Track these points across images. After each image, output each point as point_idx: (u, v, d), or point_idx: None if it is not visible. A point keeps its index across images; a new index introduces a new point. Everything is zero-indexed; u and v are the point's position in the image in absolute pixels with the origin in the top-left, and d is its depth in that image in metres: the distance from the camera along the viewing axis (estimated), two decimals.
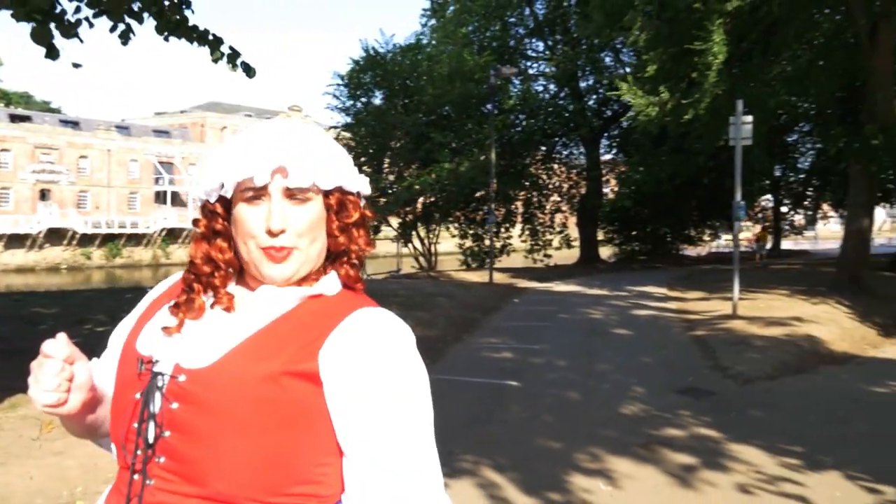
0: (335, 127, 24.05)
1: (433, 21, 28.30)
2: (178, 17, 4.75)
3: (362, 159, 23.07)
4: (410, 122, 21.44)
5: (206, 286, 1.14)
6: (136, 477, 1.05)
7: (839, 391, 6.83)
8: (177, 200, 57.35)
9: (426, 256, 24.53)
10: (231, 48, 5.28)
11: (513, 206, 28.56)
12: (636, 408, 6.13)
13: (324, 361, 1.06)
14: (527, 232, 29.97)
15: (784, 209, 37.58)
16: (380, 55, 22.90)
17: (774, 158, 29.23)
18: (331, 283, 1.14)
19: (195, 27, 4.92)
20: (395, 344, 1.09)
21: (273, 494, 1.03)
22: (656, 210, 29.14)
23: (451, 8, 27.04)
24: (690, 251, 36.18)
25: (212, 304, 1.14)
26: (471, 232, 27.23)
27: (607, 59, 27.09)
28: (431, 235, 24.95)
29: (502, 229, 27.43)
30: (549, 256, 29.31)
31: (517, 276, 19.39)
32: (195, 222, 1.20)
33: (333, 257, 1.17)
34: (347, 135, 23.20)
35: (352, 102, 23.95)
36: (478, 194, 24.05)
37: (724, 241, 41.47)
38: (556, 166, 29.47)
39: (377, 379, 1.06)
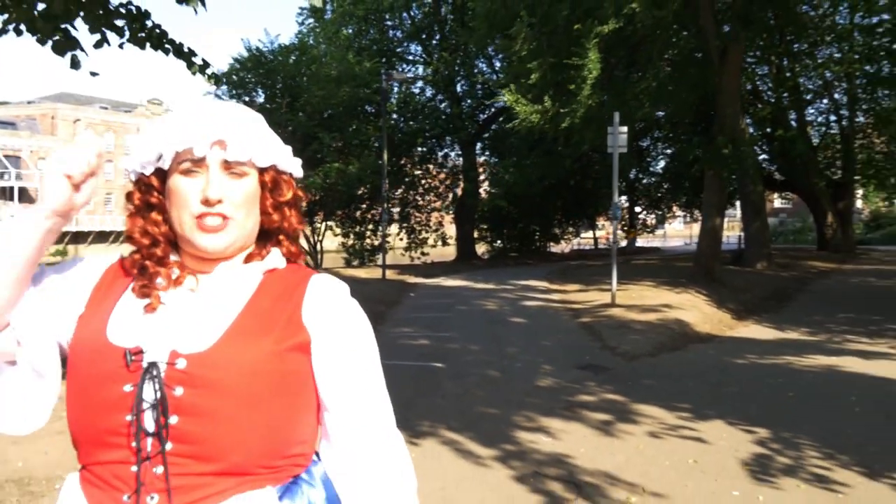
0: None
1: (311, 20, 28.56)
2: (157, 30, 5.15)
3: None
4: (296, 122, 21.73)
5: (158, 264, 1.17)
6: (134, 469, 1.06)
7: (708, 363, 8.11)
8: (24, 196, 53.84)
9: (312, 254, 24.86)
10: (203, 60, 5.73)
11: (389, 205, 29.37)
12: (549, 381, 7.09)
13: (310, 329, 1.15)
14: (404, 230, 30.85)
15: (637, 209, 40.58)
16: (263, 55, 23.01)
17: (631, 162, 31.71)
18: (279, 258, 1.22)
19: (173, 41, 5.33)
20: (352, 301, 1.23)
21: (279, 458, 1.12)
22: (526, 209, 30.86)
23: (330, 9, 27.42)
24: (555, 248, 38.38)
25: (167, 285, 1.16)
26: (354, 230, 27.80)
27: (482, 66, 28.41)
28: (317, 234, 25.31)
29: (379, 228, 28.18)
30: (426, 254, 30.34)
31: (404, 273, 20.19)
32: (128, 196, 1.21)
33: (267, 235, 1.23)
34: None
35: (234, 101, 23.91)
36: (359, 192, 24.67)
37: (584, 239, 44.31)
38: (432, 167, 30.51)
39: (351, 334, 1.19)
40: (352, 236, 27.89)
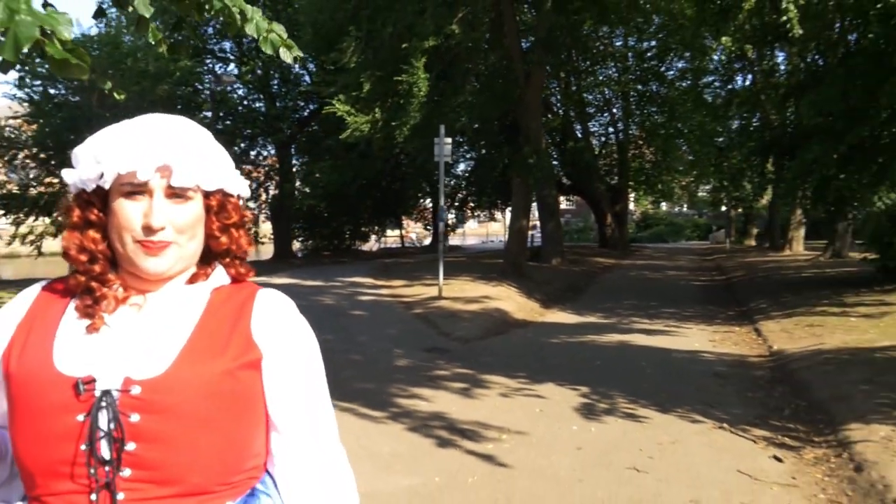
0: (14, 118, 22.47)
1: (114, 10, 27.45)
2: None
3: (49, 153, 21.97)
4: (109, 117, 21.05)
5: (101, 283, 1.15)
6: (93, 497, 1.05)
7: (530, 342, 9.69)
8: None
9: None
10: None
11: None
12: (406, 361, 8.26)
13: (261, 346, 1.16)
14: None
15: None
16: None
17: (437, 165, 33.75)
18: (223, 275, 1.22)
19: None
20: (297, 315, 1.24)
21: (236, 473, 1.14)
22: (339, 209, 31.78)
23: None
24: (364, 246, 39.55)
25: (112, 306, 1.14)
26: None
27: (297, 69, 28.87)
28: None
29: None
30: None
31: None
32: (67, 210, 1.17)
33: (214, 256, 1.22)
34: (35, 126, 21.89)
35: (29, 93, 22.59)
36: None
37: (389, 237, 45.94)
38: (246, 166, 30.48)
39: (300, 350, 1.21)
40: None
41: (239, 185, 1.23)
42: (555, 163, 34.51)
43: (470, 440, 5.15)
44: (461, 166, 37.57)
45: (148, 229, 1.10)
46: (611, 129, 37.81)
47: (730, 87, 26.99)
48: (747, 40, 14.17)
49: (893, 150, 11.57)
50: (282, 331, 1.20)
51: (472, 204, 41.10)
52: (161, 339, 1.12)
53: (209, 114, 26.50)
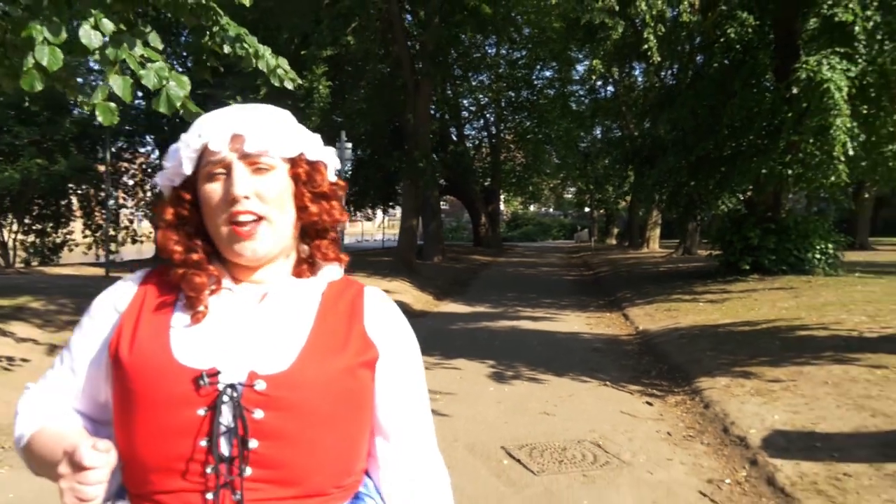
0: None
1: None
2: None
3: None
4: None
5: (205, 275, 1.13)
6: (210, 496, 1.02)
7: (434, 328, 10.87)
8: None
9: (4, 255, 23.24)
10: None
11: (68, 201, 28.15)
12: None
13: (377, 345, 1.17)
14: (90, 228, 29.74)
15: None
16: None
17: None
18: (333, 270, 1.21)
19: None
20: (401, 314, 1.25)
21: (348, 476, 1.13)
22: None
23: None
24: None
25: (224, 300, 1.14)
26: (35, 227, 26.26)
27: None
28: (6, 231, 23.67)
29: (50, 226, 26.98)
30: (115, 252, 29.59)
31: (120, 269, 20.24)
32: (161, 211, 1.16)
33: (311, 235, 1.20)
34: None
35: None
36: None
37: None
38: (125, 164, 29.87)
39: (410, 351, 1.24)
40: (33, 234, 26.37)
41: (323, 153, 1.20)
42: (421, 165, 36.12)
43: None
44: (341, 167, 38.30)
45: (233, 200, 1.08)
46: (484, 134, 39.68)
47: (593, 96, 29.43)
48: (612, 61, 16.00)
49: (733, 161, 13.66)
50: (394, 331, 1.21)
51: (356, 204, 41.91)
52: (282, 333, 1.10)
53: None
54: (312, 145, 1.18)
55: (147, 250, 29.79)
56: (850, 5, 9.92)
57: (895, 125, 10.59)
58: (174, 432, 1.04)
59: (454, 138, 34.75)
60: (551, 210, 68.38)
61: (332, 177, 1.22)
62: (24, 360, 7.09)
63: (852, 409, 5.23)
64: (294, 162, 1.15)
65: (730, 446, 4.97)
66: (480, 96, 36.27)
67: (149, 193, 30.84)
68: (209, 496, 1.03)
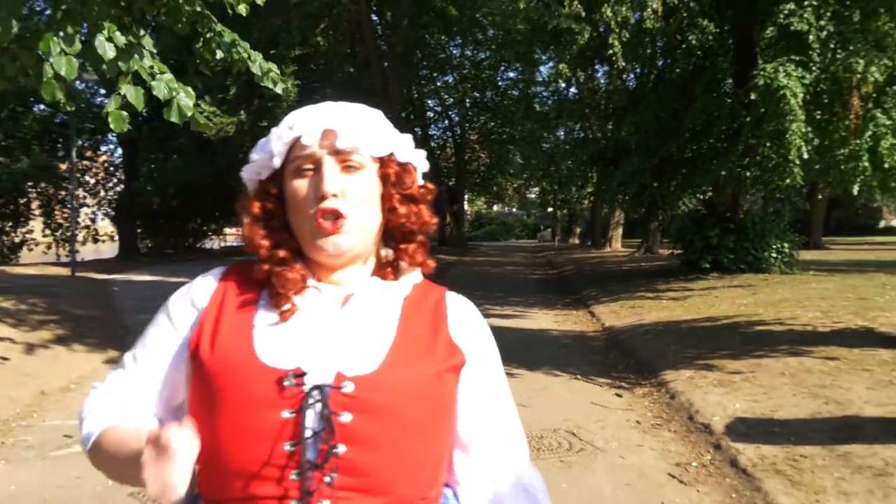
0: None
1: None
2: None
3: None
4: None
5: (289, 273, 1.09)
6: None
7: None
8: None
9: None
10: None
11: (27, 200, 27.75)
12: None
13: (463, 350, 1.13)
14: (50, 227, 29.32)
15: None
16: None
17: None
18: (416, 274, 1.18)
19: None
20: (483, 319, 1.24)
21: (433, 487, 1.08)
22: (187, 207, 31.50)
23: None
24: (208, 244, 39.10)
25: (308, 299, 1.10)
26: None
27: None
28: None
29: (9, 225, 26.59)
30: (76, 252, 29.21)
31: (86, 269, 20.08)
32: (246, 205, 1.13)
33: (397, 238, 1.16)
34: None
35: None
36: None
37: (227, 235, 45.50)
38: (87, 163, 29.52)
39: (493, 356, 1.22)
40: None
41: (414, 154, 1.17)
42: None
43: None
44: None
45: (321, 197, 1.05)
46: (449, 134, 39.97)
47: (557, 98, 29.87)
48: (577, 65, 16.37)
49: (694, 164, 14.13)
50: (479, 336, 1.19)
51: None
52: (367, 335, 1.07)
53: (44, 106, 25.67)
54: (404, 146, 1.16)
55: (106, 250, 29.51)
56: (805, 15, 10.38)
57: (847, 130, 11.09)
58: (257, 435, 0.99)
59: (419, 139, 34.96)
60: (514, 210, 69.06)
61: (420, 180, 1.19)
62: (3, 357, 7.15)
63: (807, 398, 5.60)
64: (384, 162, 1.13)
65: (695, 433, 5.29)
66: (445, 97, 36.54)
67: (111, 192, 30.56)
68: None
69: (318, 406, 0.99)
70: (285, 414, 0.99)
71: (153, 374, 1.14)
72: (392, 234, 1.17)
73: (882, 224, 42.54)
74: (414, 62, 21.81)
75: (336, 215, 1.06)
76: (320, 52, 17.42)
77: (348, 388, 1.00)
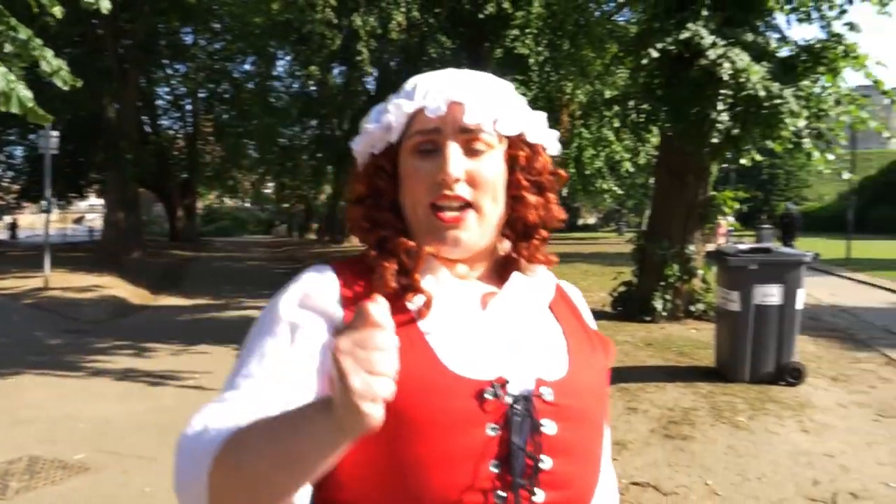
0: None
1: None
2: None
3: None
4: None
5: (416, 262, 0.93)
6: None
7: (161, 320, 11.03)
8: None
9: None
10: None
11: None
12: (58, 340, 9.08)
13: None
14: None
15: None
16: None
17: None
18: (542, 269, 1.03)
19: None
20: None
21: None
22: None
23: None
24: None
25: (451, 298, 0.95)
26: None
27: None
28: None
29: None
30: None
31: None
32: (355, 182, 1.01)
33: (518, 231, 1.01)
34: None
35: None
36: None
37: None
38: None
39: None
40: None
41: (546, 135, 1.02)
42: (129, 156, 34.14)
43: (174, 379, 6.77)
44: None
45: (443, 183, 0.92)
46: (180, 125, 38.42)
47: (299, 93, 30.21)
48: (326, 68, 17.11)
49: None
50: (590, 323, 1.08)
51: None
52: (538, 336, 0.97)
53: None
54: (535, 125, 1.00)
55: None
56: (527, 41, 12.16)
57: (558, 141, 13.15)
58: (458, 458, 0.86)
59: (149, 129, 33.28)
60: (247, 204, 67.75)
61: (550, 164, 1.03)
62: None
63: None
64: (513, 143, 0.98)
65: None
66: (179, 86, 35.14)
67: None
68: None
69: (523, 418, 0.88)
70: (489, 430, 0.87)
71: (284, 395, 0.85)
72: (512, 225, 1.01)
73: (580, 221, 48.90)
74: (155, 50, 20.95)
75: (459, 205, 0.94)
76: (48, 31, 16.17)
77: (548, 394, 0.91)
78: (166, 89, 35.29)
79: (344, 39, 14.68)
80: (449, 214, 0.93)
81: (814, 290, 11.02)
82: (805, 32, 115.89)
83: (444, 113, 0.93)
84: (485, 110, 0.94)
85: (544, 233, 1.02)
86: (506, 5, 12.10)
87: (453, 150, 0.93)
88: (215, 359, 7.86)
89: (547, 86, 12.68)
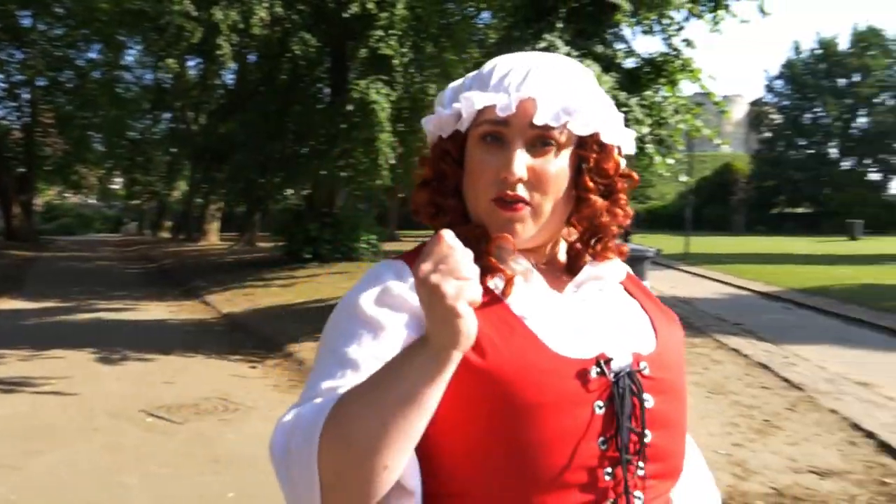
0: None
1: None
2: None
3: None
4: None
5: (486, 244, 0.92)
6: None
7: (8, 325, 10.34)
8: None
9: None
10: None
11: None
12: None
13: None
14: None
15: None
16: None
17: None
18: (616, 261, 1.03)
19: None
20: None
21: None
22: None
23: None
24: None
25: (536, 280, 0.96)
26: None
27: None
28: None
29: None
30: None
31: None
32: (422, 162, 1.01)
33: (587, 234, 1.00)
34: None
35: None
36: None
37: None
38: None
39: None
40: None
41: (621, 135, 0.98)
42: None
43: (28, 385, 6.45)
44: None
45: (504, 182, 0.90)
46: (17, 115, 35.72)
47: (146, 85, 28.88)
48: (182, 60, 16.55)
49: (297, 162, 15.49)
50: None
51: None
52: (625, 314, 0.99)
53: None
54: (612, 124, 0.96)
55: None
56: (391, 42, 12.35)
57: (421, 141, 13.42)
58: (568, 438, 0.86)
59: None
60: (93, 201, 63.87)
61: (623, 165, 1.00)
62: None
63: None
64: (584, 142, 0.95)
65: None
66: (15, 73, 32.63)
67: None
68: None
69: (628, 393, 0.90)
70: (597, 408, 0.88)
71: None
72: (580, 221, 0.99)
73: None
74: None
75: (517, 203, 0.92)
76: None
77: (645, 369, 0.92)
78: (1, 76, 32.63)
79: (204, 32, 14.31)
80: (507, 208, 0.92)
81: (657, 283, 11.98)
82: (649, 46, 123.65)
83: (515, 108, 0.91)
84: (558, 109, 0.91)
85: (612, 231, 1.01)
86: (370, 6, 12.24)
87: (518, 146, 0.91)
88: (72, 363, 7.52)
89: (411, 87, 12.93)
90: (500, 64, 0.96)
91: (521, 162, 0.90)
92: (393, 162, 12.87)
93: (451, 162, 0.97)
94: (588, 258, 1.00)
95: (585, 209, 0.96)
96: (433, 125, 0.99)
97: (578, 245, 1.01)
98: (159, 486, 4.19)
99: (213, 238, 30.24)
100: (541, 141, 0.92)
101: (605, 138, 0.95)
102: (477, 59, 11.95)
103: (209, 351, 8.22)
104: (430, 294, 0.72)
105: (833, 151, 48.61)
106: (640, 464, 0.90)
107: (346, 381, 0.83)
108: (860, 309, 10.97)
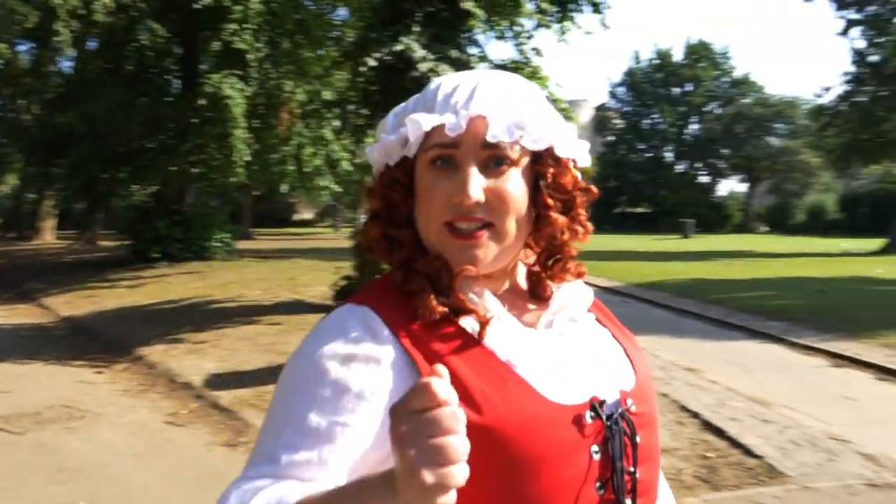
0: None
1: None
2: None
3: None
4: None
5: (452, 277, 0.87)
6: None
7: None
8: None
9: None
10: None
11: None
12: None
13: None
14: None
15: None
16: None
17: None
18: (577, 283, 0.98)
19: None
20: None
21: None
22: None
23: None
24: None
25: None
26: None
27: None
28: None
29: None
30: None
31: None
32: (369, 197, 0.95)
33: (546, 251, 0.96)
34: None
35: None
36: None
37: None
38: None
39: None
40: None
41: (578, 149, 0.94)
42: None
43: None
44: None
45: (459, 206, 0.85)
46: None
47: None
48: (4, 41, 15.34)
49: (144, 157, 14.79)
50: None
51: None
52: (600, 347, 0.95)
53: None
54: (565, 137, 0.92)
55: None
56: (245, 36, 12.10)
57: (277, 138, 13.26)
58: (567, 487, 0.84)
59: None
60: None
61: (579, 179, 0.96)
62: None
63: (263, 353, 7.14)
64: (539, 157, 0.91)
65: (179, 390, 6.29)
66: None
67: None
68: None
69: (621, 435, 0.88)
70: (593, 454, 0.86)
71: (325, 475, 0.77)
72: (538, 241, 0.96)
73: (296, 217, 48.92)
74: None
75: (477, 226, 0.87)
76: None
77: (633, 406, 0.90)
78: None
79: (39, 17, 13.39)
80: (464, 233, 0.87)
81: None
82: (502, 53, 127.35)
83: (465, 127, 0.86)
84: (509, 124, 0.87)
85: (572, 251, 0.96)
86: None
87: (472, 169, 0.86)
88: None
89: (267, 83, 12.72)
90: (445, 83, 0.91)
91: (477, 184, 0.85)
92: (248, 158, 12.61)
93: (401, 189, 0.90)
94: (549, 283, 0.96)
95: (545, 228, 0.92)
96: (378, 153, 0.93)
97: (537, 268, 0.97)
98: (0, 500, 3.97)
99: (49, 237, 28.22)
100: (494, 160, 0.87)
101: (559, 152, 0.91)
102: (334, 58, 11.95)
103: (49, 357, 7.75)
104: (405, 471, 0.60)
105: (669, 155, 52.12)
106: (629, 501, 0.88)
107: (304, 456, 0.77)
108: (691, 301, 11.90)
